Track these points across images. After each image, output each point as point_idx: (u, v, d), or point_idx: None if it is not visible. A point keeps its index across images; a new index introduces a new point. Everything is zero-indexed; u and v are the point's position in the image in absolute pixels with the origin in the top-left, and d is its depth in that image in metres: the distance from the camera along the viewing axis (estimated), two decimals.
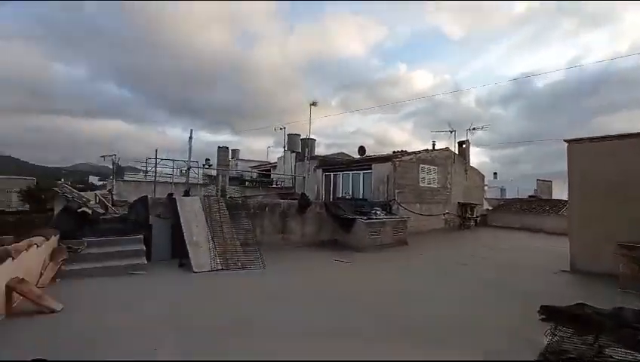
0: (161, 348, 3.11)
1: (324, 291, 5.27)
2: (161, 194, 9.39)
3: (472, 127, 16.90)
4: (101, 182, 19.61)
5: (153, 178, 11.20)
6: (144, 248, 6.30)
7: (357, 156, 17.89)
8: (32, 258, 4.56)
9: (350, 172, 14.45)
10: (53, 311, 3.91)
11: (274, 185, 18.61)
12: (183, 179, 13.61)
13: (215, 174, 14.54)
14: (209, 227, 7.32)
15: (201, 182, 15.83)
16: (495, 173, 31.75)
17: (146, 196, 7.44)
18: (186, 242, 6.64)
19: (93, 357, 2.94)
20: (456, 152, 16.25)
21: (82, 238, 6.02)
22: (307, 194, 11.06)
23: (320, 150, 21.08)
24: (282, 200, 10.54)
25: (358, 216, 9.55)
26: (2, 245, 4.22)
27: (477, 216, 15.95)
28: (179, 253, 6.62)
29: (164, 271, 6.05)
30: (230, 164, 20.88)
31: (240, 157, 25.11)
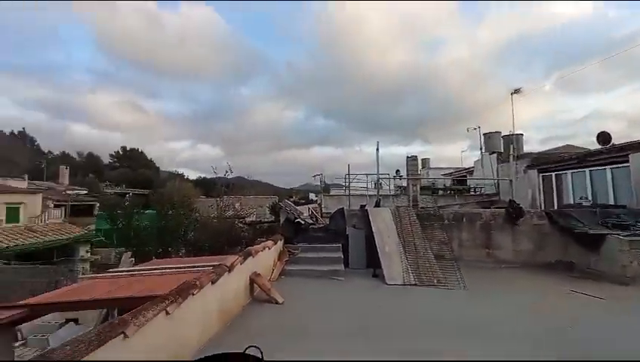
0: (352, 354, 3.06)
1: (564, 336, 3.75)
2: (356, 207, 10.19)
3: None
4: (316, 198, 24.11)
5: (348, 191, 12.41)
6: (342, 256, 6.87)
7: (596, 147, 12.87)
8: (266, 258, 5.89)
9: (586, 169, 10.46)
10: (277, 303, 4.80)
11: (472, 193, 16.37)
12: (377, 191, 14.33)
13: (405, 185, 14.48)
14: (400, 238, 7.13)
15: (392, 193, 16.19)
16: None
17: (343, 208, 8.21)
18: (379, 253, 6.70)
19: (297, 348, 3.27)
20: None
21: (297, 244, 7.32)
22: (517, 202, 8.84)
23: (530, 147, 16.84)
24: (484, 210, 8.94)
25: (609, 231, 6.60)
26: (253, 244, 5.70)
27: None
28: (372, 263, 6.77)
29: (359, 279, 6.32)
30: (421, 173, 20.26)
31: (431, 166, 24.02)
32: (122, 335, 2.26)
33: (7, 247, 9.99)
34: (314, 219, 10.35)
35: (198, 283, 3.40)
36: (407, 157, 12.20)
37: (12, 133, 49.69)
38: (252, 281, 5.04)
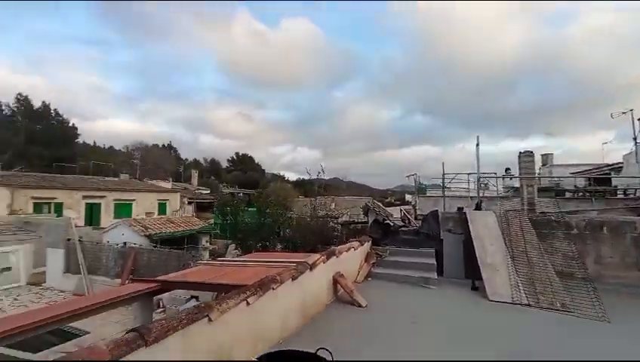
0: None
1: None
2: (454, 209, 9.15)
3: None
4: (411, 199, 22.88)
5: (443, 192, 11.28)
6: (435, 263, 6.22)
7: None
8: (351, 258, 5.79)
9: None
10: (360, 306, 4.64)
11: (619, 196, 12.76)
12: (481, 193, 12.64)
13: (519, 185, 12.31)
14: (507, 247, 6.03)
15: (501, 194, 14.02)
16: None
17: (437, 210, 7.47)
18: (479, 262, 5.81)
19: (374, 353, 3.05)
20: None
21: (386, 246, 6.98)
22: None
23: None
24: (638, 218, 6.84)
25: None
26: (337, 246, 5.70)
27: None
28: (471, 274, 5.91)
29: (454, 290, 5.60)
30: (540, 171, 17.01)
31: (554, 163, 19.80)
32: (207, 319, 2.49)
33: (155, 234, 12.67)
34: (406, 221, 9.76)
35: (278, 278, 3.54)
36: (520, 153, 10.32)
37: (163, 145, 63.22)
38: (335, 281, 5.01)
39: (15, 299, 9.98)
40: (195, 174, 37.72)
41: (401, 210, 11.23)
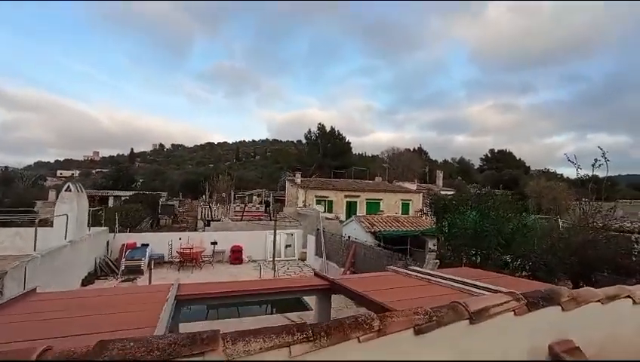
0: None
1: None
2: None
3: None
4: None
5: None
6: None
7: None
8: (613, 318, 2.79)
9: None
10: None
11: None
12: None
13: None
14: None
15: None
16: None
17: None
18: None
19: None
20: None
21: None
22: None
23: None
24: None
25: None
26: None
27: None
28: None
29: None
30: None
31: None
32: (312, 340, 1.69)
33: (379, 231, 13.12)
34: None
35: (377, 324, 2.06)
36: None
37: (414, 149, 67.21)
38: (557, 359, 2.51)
39: (288, 269, 13.59)
40: (439, 175, 36.72)
41: None
